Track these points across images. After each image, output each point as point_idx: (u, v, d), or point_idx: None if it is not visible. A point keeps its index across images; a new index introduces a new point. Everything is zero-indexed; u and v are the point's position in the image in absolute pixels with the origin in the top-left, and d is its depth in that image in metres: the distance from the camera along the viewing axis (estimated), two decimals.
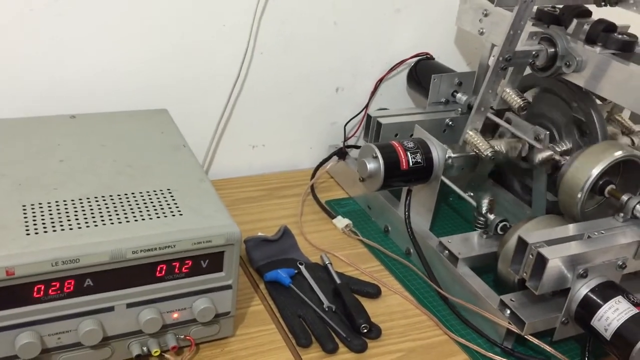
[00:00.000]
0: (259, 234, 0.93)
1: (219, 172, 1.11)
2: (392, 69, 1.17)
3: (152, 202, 0.69)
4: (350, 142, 1.17)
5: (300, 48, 1.08)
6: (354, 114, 1.16)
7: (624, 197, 0.80)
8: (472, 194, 0.99)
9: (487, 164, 0.98)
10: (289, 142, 1.16)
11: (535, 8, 0.97)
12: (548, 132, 0.91)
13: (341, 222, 1.00)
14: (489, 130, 1.00)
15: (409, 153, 0.89)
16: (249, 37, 1.02)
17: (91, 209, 0.66)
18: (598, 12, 0.93)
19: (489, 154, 0.91)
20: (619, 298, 0.71)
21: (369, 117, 1.04)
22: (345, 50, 1.12)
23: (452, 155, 0.91)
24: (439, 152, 0.90)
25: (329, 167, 1.14)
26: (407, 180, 0.91)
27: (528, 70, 0.94)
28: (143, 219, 0.66)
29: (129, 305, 0.64)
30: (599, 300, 0.71)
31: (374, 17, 1.11)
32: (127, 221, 0.65)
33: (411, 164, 0.88)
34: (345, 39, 1.10)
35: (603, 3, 0.90)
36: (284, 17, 1.04)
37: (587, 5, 0.93)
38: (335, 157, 1.14)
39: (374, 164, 0.88)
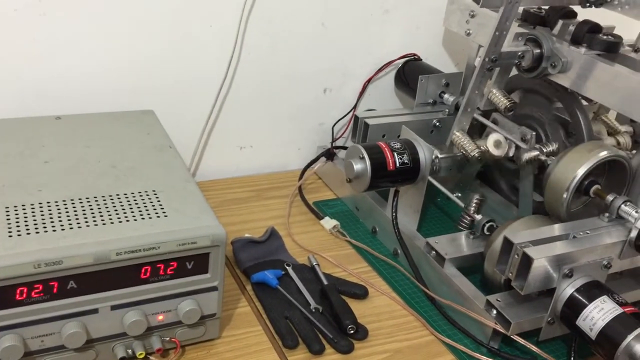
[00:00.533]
0: (246, 235, 0.93)
1: (206, 174, 1.11)
2: (380, 70, 1.17)
3: (136, 204, 0.68)
4: (339, 143, 1.16)
5: (288, 49, 1.08)
6: (342, 115, 1.16)
7: (609, 197, 0.80)
8: (459, 194, 1.00)
9: (474, 165, 0.99)
10: (277, 143, 1.16)
11: (521, 9, 0.98)
12: (534, 133, 0.92)
13: (329, 223, 1.00)
14: (477, 130, 1.01)
15: (395, 154, 0.89)
16: (236, 37, 1.01)
17: (75, 211, 0.66)
18: (583, 14, 0.94)
19: (476, 155, 0.91)
20: (604, 298, 0.71)
21: (356, 118, 1.04)
22: (333, 52, 1.12)
23: (439, 155, 0.91)
24: (426, 152, 0.90)
25: (317, 168, 1.14)
26: (394, 181, 0.91)
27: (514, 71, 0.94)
28: (127, 221, 0.65)
29: (113, 308, 0.64)
30: (584, 300, 0.71)
31: (362, 18, 1.11)
32: (112, 222, 0.65)
33: (398, 165, 0.88)
34: (333, 40, 1.10)
35: (588, 4, 0.90)
36: (272, 18, 1.04)
37: (572, 7, 0.94)
38: (323, 158, 1.13)
39: (361, 165, 0.88)
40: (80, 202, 0.67)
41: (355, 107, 1.17)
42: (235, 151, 1.13)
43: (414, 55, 1.17)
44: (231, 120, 1.09)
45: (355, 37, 1.12)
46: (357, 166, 0.88)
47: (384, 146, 0.89)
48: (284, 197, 1.06)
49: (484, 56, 0.87)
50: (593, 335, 0.69)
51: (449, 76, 1.09)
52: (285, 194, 1.07)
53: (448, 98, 1.08)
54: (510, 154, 0.93)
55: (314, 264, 0.88)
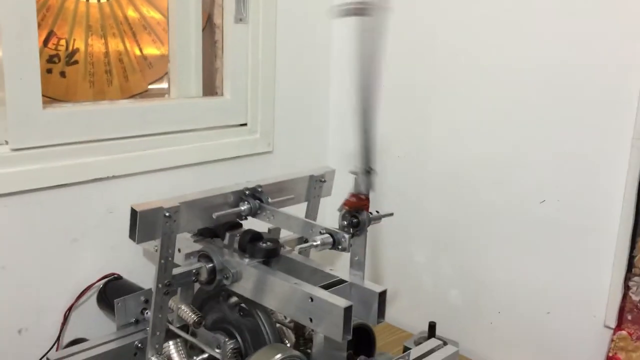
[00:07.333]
0: None
1: None
2: (80, 296, 1.14)
3: None
4: None
5: None
6: (44, 352, 1.09)
7: None
8: None
9: None
10: None
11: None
12: (227, 339, 0.95)
13: None
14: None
15: None
16: None
17: None
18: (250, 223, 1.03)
19: None
20: None
21: None
22: (21, 291, 1.07)
23: None
24: None
25: None
26: None
27: None
28: None
29: None
30: None
31: (49, 252, 1.09)
32: None
33: None
34: (19, 280, 1.06)
35: (245, 218, 1.00)
36: None
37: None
38: None
39: None
40: None
41: (57, 340, 1.11)
42: None
43: (114, 274, 1.17)
44: None
45: (43, 271, 1.09)
46: None
47: None
48: None
49: (155, 282, 0.90)
50: None
51: (148, 293, 1.09)
52: None
53: (150, 315, 1.08)
54: None
55: None
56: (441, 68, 1.34)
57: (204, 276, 0.95)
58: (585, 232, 1.17)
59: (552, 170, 1.20)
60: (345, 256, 1.01)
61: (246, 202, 0.99)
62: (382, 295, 0.91)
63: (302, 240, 1.12)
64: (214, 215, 0.94)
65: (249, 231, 0.98)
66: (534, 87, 1.21)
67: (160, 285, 0.90)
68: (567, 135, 1.17)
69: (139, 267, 1.21)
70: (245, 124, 1.39)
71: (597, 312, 1.16)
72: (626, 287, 1.13)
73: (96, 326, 1.17)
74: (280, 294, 0.88)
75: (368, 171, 0.88)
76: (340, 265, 1.04)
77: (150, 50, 1.57)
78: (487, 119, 1.28)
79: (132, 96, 1.55)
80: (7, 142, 1.03)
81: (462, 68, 1.31)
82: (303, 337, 1.03)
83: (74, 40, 1.45)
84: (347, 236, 0.87)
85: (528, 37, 1.20)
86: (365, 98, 0.81)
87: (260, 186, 1.00)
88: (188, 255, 0.96)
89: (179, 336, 0.97)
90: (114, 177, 1.16)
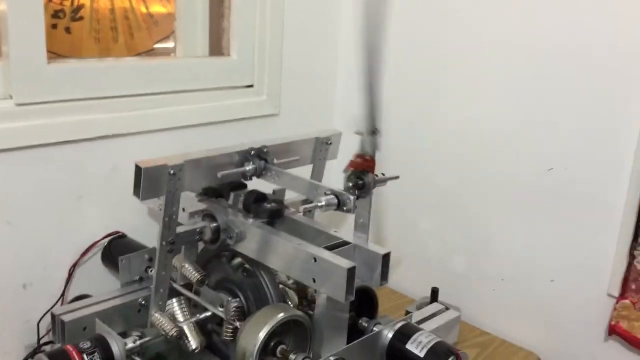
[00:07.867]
0: None
1: None
2: (85, 253, 1.14)
3: None
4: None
5: None
6: (48, 307, 1.10)
7: (292, 356, 0.85)
8: None
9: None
10: None
11: None
12: (231, 299, 0.95)
13: None
14: None
15: (85, 355, 0.85)
16: None
17: None
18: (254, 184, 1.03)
19: (174, 334, 0.91)
20: None
21: (52, 315, 0.98)
22: (26, 247, 1.07)
23: (132, 345, 0.90)
24: (119, 346, 0.88)
25: None
26: None
27: None
28: None
29: None
30: None
31: (54, 208, 1.09)
32: None
33: None
34: (24, 236, 1.06)
35: (249, 178, 0.99)
36: None
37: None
38: None
39: None
40: None
41: (62, 296, 1.12)
42: None
43: (119, 232, 1.17)
44: None
45: (50, 227, 1.09)
46: None
47: (71, 350, 0.85)
48: None
49: (159, 240, 0.90)
50: None
51: (151, 251, 1.10)
52: None
53: (154, 272, 1.08)
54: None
55: None
56: (450, 39, 1.32)
57: (207, 235, 0.95)
58: (591, 201, 1.16)
59: (560, 139, 1.18)
60: (350, 219, 1.01)
61: (251, 162, 0.98)
62: (386, 257, 0.90)
63: (307, 202, 1.11)
64: (219, 175, 0.93)
65: (254, 191, 0.98)
66: (541, 57, 1.18)
67: (164, 243, 0.90)
68: (576, 104, 1.15)
69: (143, 225, 1.21)
70: (251, 86, 1.37)
71: (601, 281, 1.16)
72: (631, 256, 1.12)
73: (100, 283, 1.17)
74: (283, 254, 0.88)
75: (373, 131, 0.86)
76: (344, 228, 1.04)
77: (157, 8, 1.55)
78: (495, 87, 1.27)
79: (138, 54, 1.54)
80: (11, 97, 1.02)
81: (470, 39, 1.29)
82: (306, 299, 1.03)
83: None
84: (352, 197, 0.86)
85: (539, 9, 1.18)
86: (371, 56, 0.80)
87: (265, 146, 0.99)
88: (192, 214, 0.96)
89: (182, 294, 0.98)
90: (118, 135, 1.15)
